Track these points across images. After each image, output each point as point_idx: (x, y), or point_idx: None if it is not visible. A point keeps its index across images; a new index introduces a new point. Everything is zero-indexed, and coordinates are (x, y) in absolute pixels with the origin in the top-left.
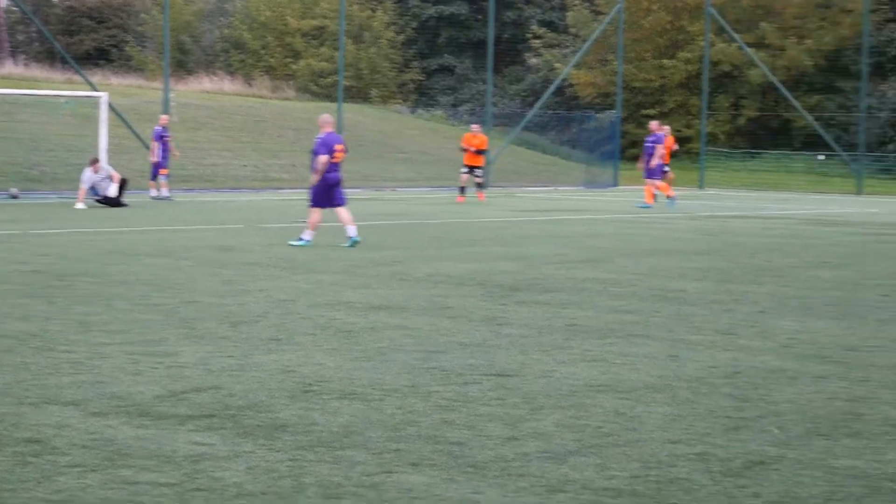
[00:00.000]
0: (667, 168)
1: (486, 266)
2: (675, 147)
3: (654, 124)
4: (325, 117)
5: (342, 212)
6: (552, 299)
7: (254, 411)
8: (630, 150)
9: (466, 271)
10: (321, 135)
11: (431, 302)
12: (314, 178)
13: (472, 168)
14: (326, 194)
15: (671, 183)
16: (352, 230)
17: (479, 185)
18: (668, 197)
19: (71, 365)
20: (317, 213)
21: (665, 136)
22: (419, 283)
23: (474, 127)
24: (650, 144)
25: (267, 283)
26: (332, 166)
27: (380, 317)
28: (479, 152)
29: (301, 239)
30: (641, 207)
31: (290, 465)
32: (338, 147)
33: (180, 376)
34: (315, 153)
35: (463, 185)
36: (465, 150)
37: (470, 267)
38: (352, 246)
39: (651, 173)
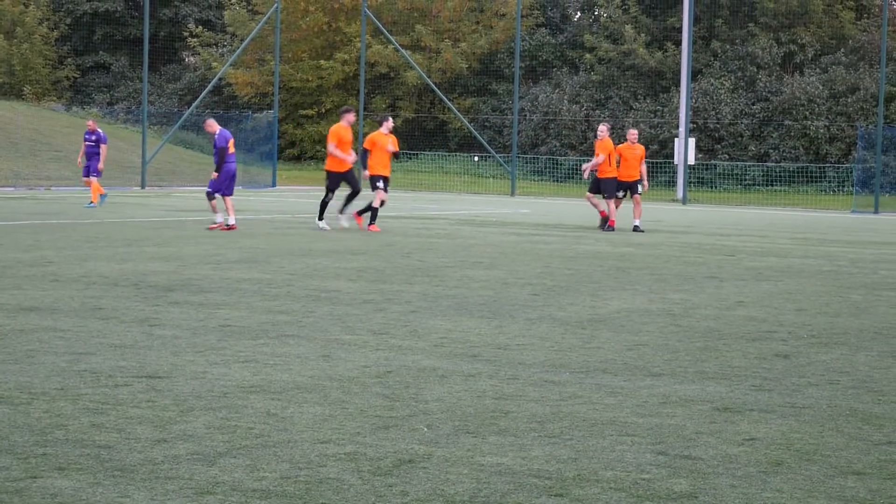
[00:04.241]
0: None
1: (141, 266)
2: None
3: (90, 122)
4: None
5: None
6: (206, 300)
7: None
8: (288, 150)
9: (120, 272)
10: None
11: (83, 303)
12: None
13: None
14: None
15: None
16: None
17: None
18: (97, 198)
19: None
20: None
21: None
22: (72, 283)
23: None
24: (92, 143)
25: None
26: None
27: (30, 319)
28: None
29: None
30: (89, 207)
31: None
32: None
33: None
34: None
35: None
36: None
37: (124, 267)
38: None
39: (91, 171)
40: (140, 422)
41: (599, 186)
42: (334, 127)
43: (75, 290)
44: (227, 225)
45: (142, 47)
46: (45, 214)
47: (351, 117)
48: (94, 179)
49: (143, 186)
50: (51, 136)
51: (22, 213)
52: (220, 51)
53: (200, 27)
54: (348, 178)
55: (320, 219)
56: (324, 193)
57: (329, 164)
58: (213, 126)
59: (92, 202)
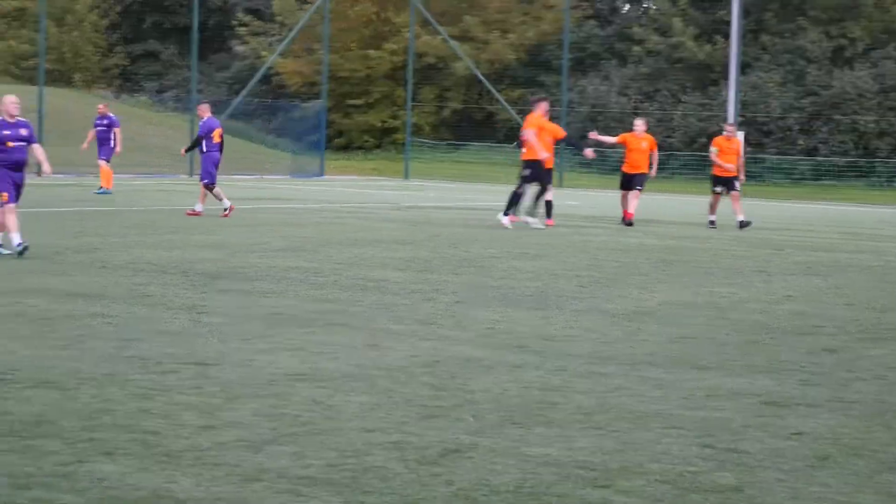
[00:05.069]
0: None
1: (189, 254)
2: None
3: (102, 107)
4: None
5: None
6: (254, 288)
7: None
8: (336, 139)
9: (168, 259)
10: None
11: (131, 290)
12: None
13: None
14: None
15: None
16: None
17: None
18: (109, 184)
19: None
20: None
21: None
22: (119, 270)
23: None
24: (104, 128)
25: None
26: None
27: (78, 304)
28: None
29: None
30: (100, 193)
31: None
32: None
33: None
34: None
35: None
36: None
37: (172, 255)
38: None
39: (105, 154)
40: (187, 408)
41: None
42: (533, 117)
43: (123, 276)
44: (195, 211)
45: (191, 35)
46: (91, 201)
47: (545, 105)
48: (104, 164)
49: (190, 174)
50: None
51: (70, 199)
52: (269, 40)
53: (249, 16)
54: (543, 172)
55: (506, 213)
56: (515, 185)
57: (528, 153)
58: (205, 111)
59: (101, 188)
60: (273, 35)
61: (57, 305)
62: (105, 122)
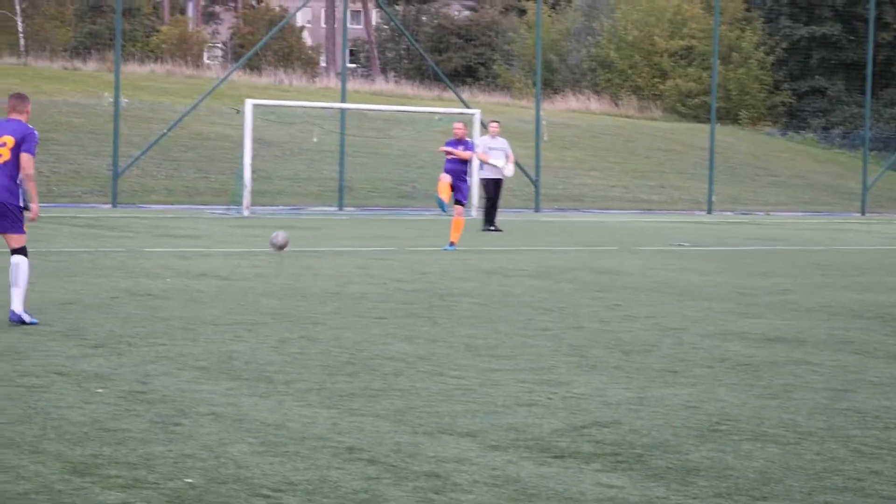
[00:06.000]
0: None
1: (882, 297)
2: None
3: (460, 127)
4: None
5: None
6: None
7: (661, 451)
8: None
9: (861, 302)
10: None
11: (831, 335)
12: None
13: None
14: None
15: None
16: None
17: None
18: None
19: (463, 392)
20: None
21: None
22: (813, 313)
23: None
24: (457, 159)
25: (652, 308)
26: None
27: (778, 350)
28: None
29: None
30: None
31: None
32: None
33: (577, 409)
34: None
35: None
36: None
37: (864, 297)
38: None
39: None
40: None
41: None
42: None
43: (818, 319)
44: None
45: (859, 72)
46: (767, 240)
47: None
48: (460, 211)
49: (863, 213)
50: (767, 160)
51: (745, 237)
52: None
53: None
54: None
55: None
56: None
57: None
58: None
59: (452, 243)
60: None
61: (756, 350)
62: (461, 147)
